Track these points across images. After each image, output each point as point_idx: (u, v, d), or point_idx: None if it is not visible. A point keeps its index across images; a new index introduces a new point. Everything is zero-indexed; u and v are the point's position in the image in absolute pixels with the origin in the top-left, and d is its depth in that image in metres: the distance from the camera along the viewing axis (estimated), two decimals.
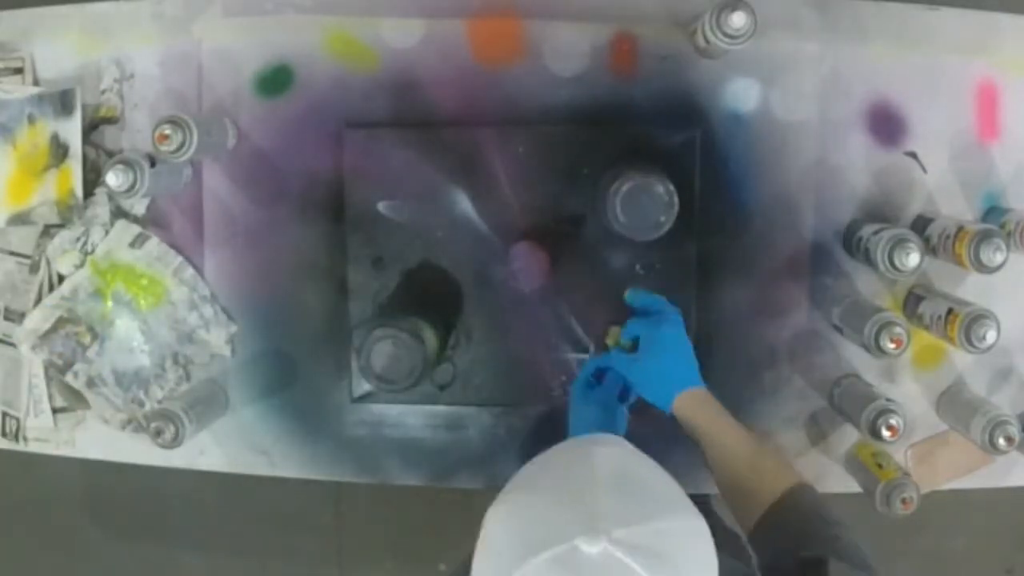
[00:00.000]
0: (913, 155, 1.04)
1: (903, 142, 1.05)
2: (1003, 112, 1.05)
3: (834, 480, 1.09)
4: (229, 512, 1.92)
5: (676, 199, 0.92)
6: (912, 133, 1.05)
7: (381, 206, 1.07)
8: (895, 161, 1.05)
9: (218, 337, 1.12)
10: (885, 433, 0.94)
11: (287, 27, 1.07)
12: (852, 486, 1.06)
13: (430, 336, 0.98)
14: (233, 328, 1.12)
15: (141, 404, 1.14)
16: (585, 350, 1.07)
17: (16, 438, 1.19)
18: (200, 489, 1.63)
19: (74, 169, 1.10)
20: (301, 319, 1.12)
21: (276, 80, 1.08)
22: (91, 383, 1.14)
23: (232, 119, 1.08)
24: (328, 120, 1.07)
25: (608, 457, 0.63)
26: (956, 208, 1.05)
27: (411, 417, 1.12)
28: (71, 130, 1.10)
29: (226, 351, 1.13)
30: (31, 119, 1.10)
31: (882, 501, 0.97)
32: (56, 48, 1.11)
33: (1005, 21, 1.05)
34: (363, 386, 1.09)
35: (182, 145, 0.95)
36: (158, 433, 1.01)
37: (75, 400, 1.16)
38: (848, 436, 1.08)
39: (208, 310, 1.12)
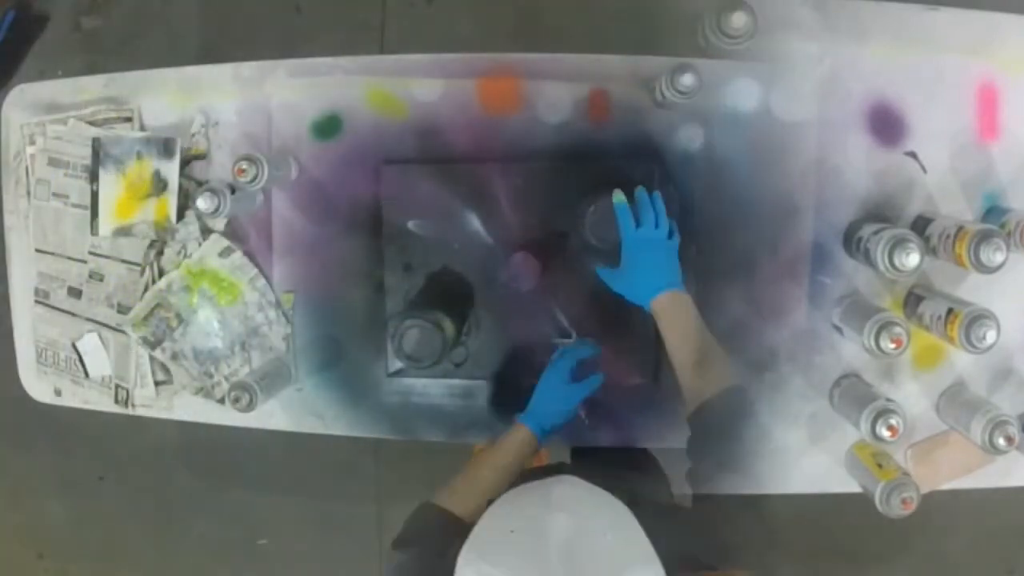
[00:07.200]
0: (913, 155, 0.98)
1: (903, 142, 0.99)
2: (1003, 112, 0.99)
3: (834, 480, 1.03)
4: (291, 462, 1.97)
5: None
6: (912, 133, 0.98)
7: (410, 224, 1.13)
8: (895, 161, 0.99)
9: (277, 335, 1.20)
10: (885, 433, 0.88)
11: (337, 85, 1.13)
12: (852, 486, 1.01)
13: (448, 325, 1.03)
14: (289, 329, 1.18)
15: (211, 376, 1.22)
16: (568, 336, 1.12)
17: (126, 404, 1.29)
18: (269, 444, 1.61)
19: (170, 201, 1.20)
20: (348, 312, 1.18)
21: (328, 126, 1.15)
22: (175, 357, 1.24)
23: (294, 156, 1.16)
24: (369, 158, 1.13)
25: (562, 523, 0.61)
26: (956, 208, 0.99)
27: (433, 388, 1.17)
28: (171, 170, 1.19)
29: (282, 346, 1.20)
30: (139, 155, 1.20)
31: (882, 501, 0.91)
32: (158, 102, 1.19)
33: (1005, 21, 0.99)
34: (396, 364, 1.15)
35: (256, 177, 1.04)
36: (236, 400, 1.10)
37: (172, 375, 1.24)
38: (848, 436, 1.02)
39: (272, 313, 1.19)
